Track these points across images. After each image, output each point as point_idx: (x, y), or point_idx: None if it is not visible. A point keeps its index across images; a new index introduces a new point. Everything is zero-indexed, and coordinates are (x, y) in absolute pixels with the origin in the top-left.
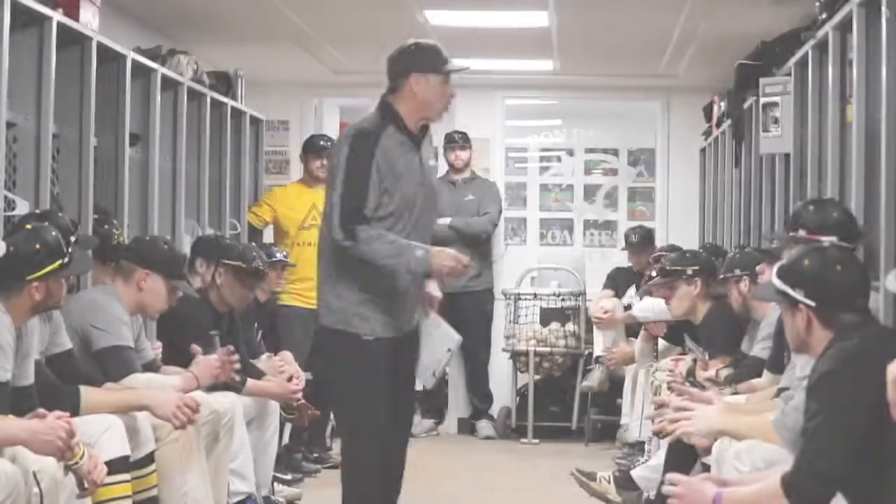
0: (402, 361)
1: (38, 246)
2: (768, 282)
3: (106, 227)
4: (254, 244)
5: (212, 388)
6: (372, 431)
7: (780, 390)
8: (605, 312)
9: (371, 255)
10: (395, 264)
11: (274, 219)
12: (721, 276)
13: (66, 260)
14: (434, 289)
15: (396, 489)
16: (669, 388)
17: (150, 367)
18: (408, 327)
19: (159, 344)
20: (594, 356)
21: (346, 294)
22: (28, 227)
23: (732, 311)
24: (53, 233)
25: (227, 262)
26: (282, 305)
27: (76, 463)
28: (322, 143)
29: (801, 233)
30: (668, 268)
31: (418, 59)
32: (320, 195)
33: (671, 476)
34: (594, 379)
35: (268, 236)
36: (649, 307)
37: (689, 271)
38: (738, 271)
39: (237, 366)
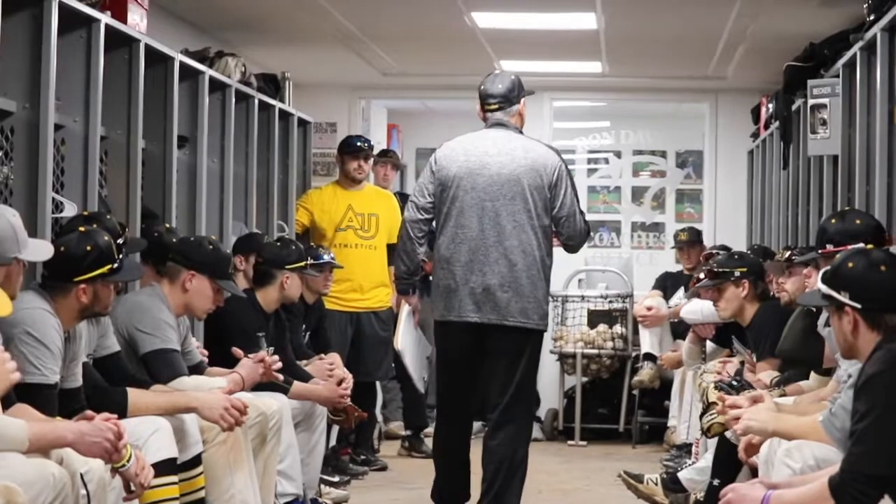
0: None
1: (88, 248)
2: (814, 288)
3: (157, 234)
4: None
5: (259, 388)
6: None
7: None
8: (649, 309)
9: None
10: None
11: (311, 221)
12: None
13: (116, 265)
14: None
15: None
16: (717, 388)
17: (197, 369)
18: None
19: (205, 351)
20: (642, 353)
21: (546, 298)
22: (82, 229)
23: (781, 313)
24: (106, 237)
25: (291, 266)
26: None
27: (123, 465)
28: (359, 143)
29: (829, 247)
30: (715, 269)
31: (524, 87)
32: (357, 196)
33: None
34: (644, 374)
35: None
36: (697, 309)
37: (737, 273)
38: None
39: (279, 364)
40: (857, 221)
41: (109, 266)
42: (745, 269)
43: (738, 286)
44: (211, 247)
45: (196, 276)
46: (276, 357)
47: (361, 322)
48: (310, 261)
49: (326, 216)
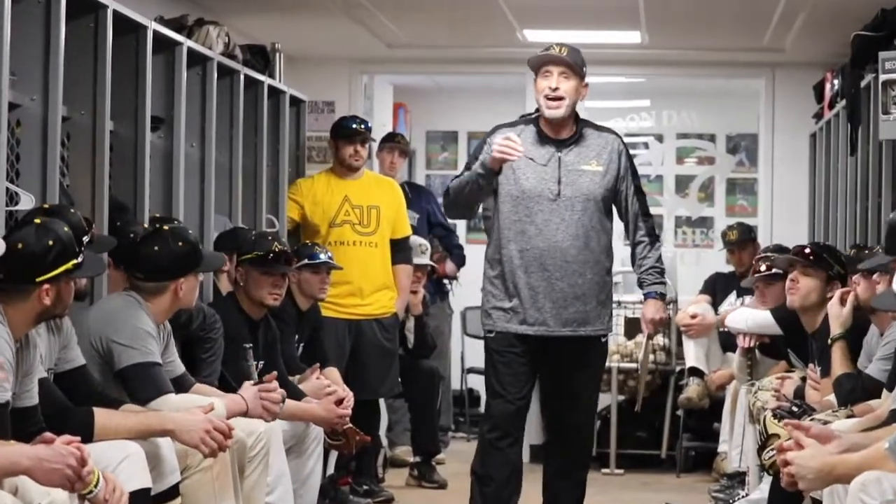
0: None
1: (50, 242)
2: (888, 289)
3: (132, 235)
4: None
5: None
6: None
7: (894, 412)
8: (694, 317)
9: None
10: (468, 177)
11: (301, 216)
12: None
13: (80, 259)
14: (652, 311)
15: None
16: (775, 417)
17: (179, 381)
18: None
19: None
20: (687, 368)
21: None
22: (37, 221)
23: (856, 321)
24: (66, 228)
25: (244, 257)
26: None
27: (90, 491)
28: (355, 125)
29: None
30: (818, 252)
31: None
32: (353, 186)
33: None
34: (692, 391)
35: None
36: (742, 318)
37: (835, 270)
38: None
39: (276, 395)
40: None
41: (73, 261)
42: (844, 272)
43: (828, 284)
44: (180, 243)
45: (185, 279)
46: (275, 387)
47: (362, 331)
48: (305, 261)
49: (319, 209)
